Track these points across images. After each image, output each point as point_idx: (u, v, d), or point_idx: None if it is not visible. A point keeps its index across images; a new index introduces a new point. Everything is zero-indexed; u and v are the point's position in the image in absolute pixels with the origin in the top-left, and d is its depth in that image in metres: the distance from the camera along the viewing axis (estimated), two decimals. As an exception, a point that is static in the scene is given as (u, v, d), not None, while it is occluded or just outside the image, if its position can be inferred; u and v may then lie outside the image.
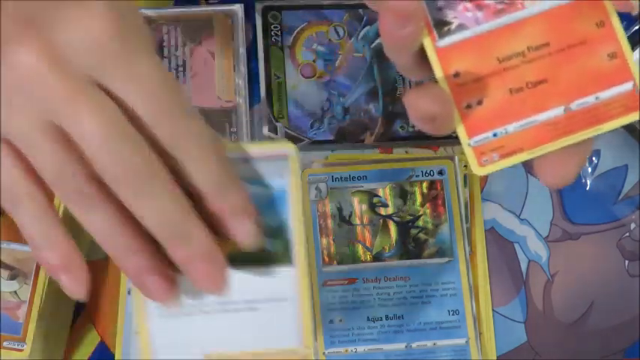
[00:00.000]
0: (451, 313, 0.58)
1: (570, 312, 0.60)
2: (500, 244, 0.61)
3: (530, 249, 0.61)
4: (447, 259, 0.59)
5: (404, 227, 0.59)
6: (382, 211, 0.59)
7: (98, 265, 0.59)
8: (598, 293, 0.60)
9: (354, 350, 0.58)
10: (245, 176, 0.52)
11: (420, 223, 0.59)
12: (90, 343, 0.58)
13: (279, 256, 0.52)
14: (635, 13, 0.33)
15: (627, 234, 0.61)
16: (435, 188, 0.60)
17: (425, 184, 0.60)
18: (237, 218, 0.37)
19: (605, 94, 0.34)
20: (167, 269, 0.37)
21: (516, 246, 0.61)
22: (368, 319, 0.58)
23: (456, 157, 0.60)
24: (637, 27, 0.61)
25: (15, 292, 0.51)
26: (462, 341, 0.58)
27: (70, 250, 0.36)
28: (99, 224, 0.35)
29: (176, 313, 0.52)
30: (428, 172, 0.60)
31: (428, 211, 0.59)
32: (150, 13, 0.62)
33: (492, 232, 0.61)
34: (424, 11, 0.33)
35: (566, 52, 0.34)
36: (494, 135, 0.34)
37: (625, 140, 0.62)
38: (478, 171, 0.34)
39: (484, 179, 0.61)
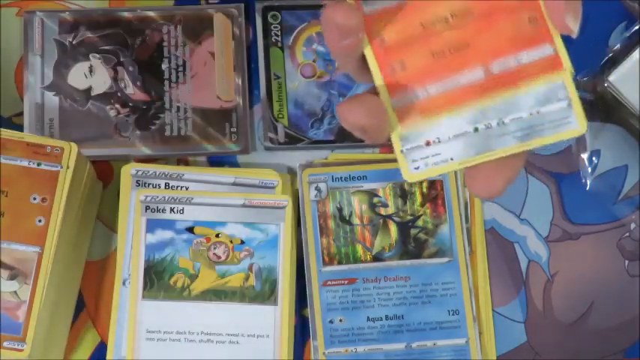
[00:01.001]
0: (451, 313, 0.58)
1: (570, 312, 0.60)
2: (500, 244, 0.61)
3: (530, 249, 0.61)
4: (447, 259, 0.59)
5: (404, 227, 0.59)
6: (382, 211, 0.59)
7: (98, 265, 0.59)
8: (598, 293, 0.61)
9: (354, 350, 0.58)
10: (245, 220, 0.57)
11: (420, 223, 0.59)
12: (90, 343, 0.58)
13: (265, 295, 0.56)
14: (574, 36, 0.33)
15: (627, 234, 0.61)
16: (435, 188, 0.60)
17: (425, 184, 0.60)
18: None
19: (525, 56, 0.34)
20: None
21: (516, 246, 0.61)
22: (368, 319, 0.58)
23: (456, 157, 0.60)
24: (637, 27, 0.61)
25: (15, 292, 0.51)
26: (462, 341, 0.58)
27: None
28: None
29: (164, 339, 0.56)
30: (428, 172, 0.60)
31: (428, 211, 0.59)
32: (150, 13, 0.62)
33: (492, 232, 0.61)
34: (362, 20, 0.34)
35: (489, 18, 0.34)
36: (428, 144, 0.34)
37: (625, 140, 0.62)
38: (409, 177, 0.34)
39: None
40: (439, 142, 0.34)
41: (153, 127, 0.60)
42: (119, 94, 0.61)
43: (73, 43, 0.61)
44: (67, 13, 0.61)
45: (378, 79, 0.34)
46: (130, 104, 0.60)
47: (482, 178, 0.34)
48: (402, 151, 0.34)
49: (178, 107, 0.61)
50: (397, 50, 0.34)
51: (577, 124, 0.33)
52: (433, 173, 0.34)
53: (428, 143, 0.34)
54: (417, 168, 0.34)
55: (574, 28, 0.32)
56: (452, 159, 0.34)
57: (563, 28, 0.33)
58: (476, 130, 0.34)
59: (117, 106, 0.60)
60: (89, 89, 0.61)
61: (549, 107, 0.33)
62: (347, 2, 0.33)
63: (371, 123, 0.34)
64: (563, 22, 0.32)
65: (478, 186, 0.34)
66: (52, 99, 0.60)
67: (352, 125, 0.34)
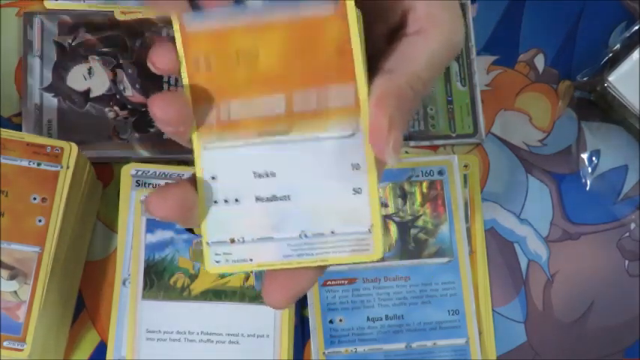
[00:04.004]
0: (451, 313, 0.58)
1: (570, 312, 0.60)
2: (500, 244, 0.61)
3: (530, 249, 0.61)
4: (447, 259, 0.59)
5: (404, 227, 0.59)
6: (382, 211, 0.59)
7: (98, 265, 0.59)
8: (598, 293, 0.61)
9: (354, 350, 0.58)
10: None
11: (420, 223, 0.59)
12: (90, 343, 0.58)
13: None
14: (394, 164, 0.33)
15: (627, 234, 0.61)
16: (434, 188, 0.60)
17: (425, 184, 0.60)
18: None
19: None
20: None
21: (516, 246, 0.61)
22: (368, 319, 0.58)
23: (456, 157, 0.60)
24: (637, 27, 0.61)
25: (15, 292, 0.51)
26: (462, 341, 0.58)
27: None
28: None
29: (164, 339, 0.56)
30: (428, 172, 0.60)
31: (428, 211, 0.59)
32: (150, 15, 0.62)
33: (492, 232, 0.61)
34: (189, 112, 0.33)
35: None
36: (232, 241, 0.34)
37: (625, 140, 0.62)
38: (209, 269, 0.35)
39: (484, 179, 0.61)
40: (243, 242, 0.34)
41: (151, 130, 0.60)
42: (118, 96, 0.61)
43: (73, 44, 0.61)
44: (66, 14, 0.61)
45: (185, 79, 0.33)
46: (129, 106, 0.60)
47: (278, 285, 0.34)
48: (207, 243, 0.35)
49: (178, 108, 0.61)
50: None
51: (373, 250, 0.34)
52: (232, 270, 0.35)
53: (232, 241, 0.34)
54: (217, 262, 0.35)
55: (392, 161, 0.32)
56: (251, 260, 0.34)
57: (382, 158, 0.32)
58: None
59: (115, 108, 0.60)
60: (88, 91, 0.61)
61: (350, 228, 0.34)
62: (168, 94, 0.33)
63: (181, 217, 0.34)
64: (382, 153, 0.32)
65: (274, 293, 0.35)
66: (51, 100, 0.60)
67: (160, 219, 0.34)
